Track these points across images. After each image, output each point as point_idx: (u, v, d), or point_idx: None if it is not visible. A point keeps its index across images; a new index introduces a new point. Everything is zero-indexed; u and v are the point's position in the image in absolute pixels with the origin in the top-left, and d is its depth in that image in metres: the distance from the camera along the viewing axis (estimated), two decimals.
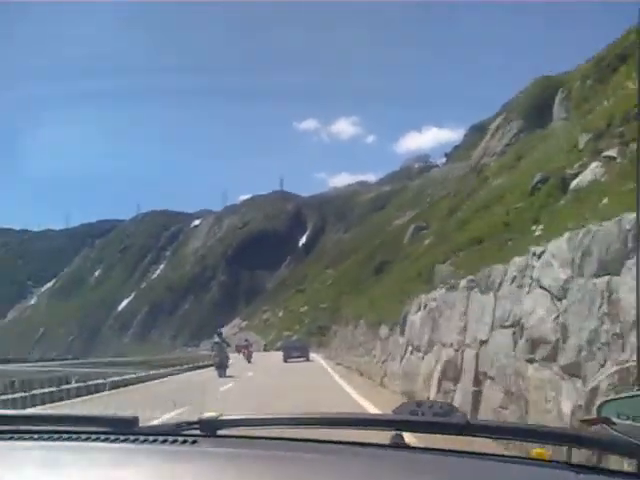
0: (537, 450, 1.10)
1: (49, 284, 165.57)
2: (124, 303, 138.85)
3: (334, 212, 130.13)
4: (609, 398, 1.15)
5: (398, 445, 1.08)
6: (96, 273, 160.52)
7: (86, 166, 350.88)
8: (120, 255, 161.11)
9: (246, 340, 37.79)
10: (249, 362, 29.83)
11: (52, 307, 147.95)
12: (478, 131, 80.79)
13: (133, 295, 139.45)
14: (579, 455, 1.02)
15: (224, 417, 1.13)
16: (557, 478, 0.97)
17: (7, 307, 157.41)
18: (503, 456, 1.09)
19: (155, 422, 1.24)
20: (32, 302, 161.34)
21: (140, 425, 1.16)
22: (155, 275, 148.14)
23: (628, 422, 1.06)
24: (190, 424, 1.15)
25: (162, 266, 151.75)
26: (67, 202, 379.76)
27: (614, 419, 1.08)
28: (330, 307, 59.84)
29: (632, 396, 1.16)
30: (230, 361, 21.21)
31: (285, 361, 32.14)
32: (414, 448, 1.09)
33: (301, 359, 32.49)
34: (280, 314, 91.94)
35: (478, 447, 1.07)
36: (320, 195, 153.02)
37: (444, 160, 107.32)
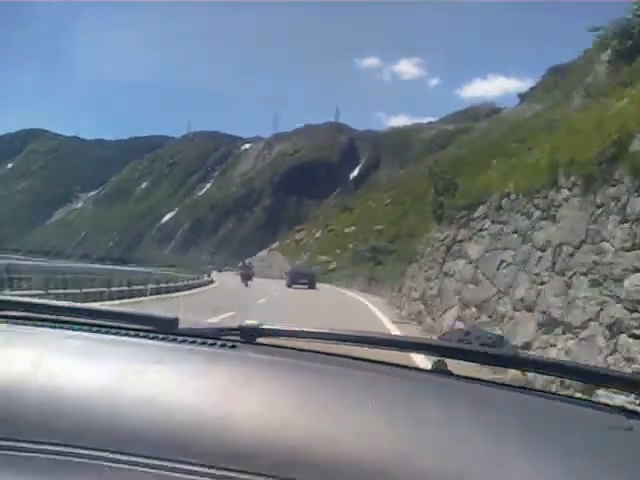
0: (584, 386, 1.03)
1: (95, 191, 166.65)
2: (167, 217, 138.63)
3: (390, 148, 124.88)
4: None
5: (442, 371, 1.06)
6: (143, 185, 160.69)
7: (142, 80, 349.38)
8: (168, 170, 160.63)
9: (245, 263, 37.37)
10: (246, 285, 29.97)
11: (96, 213, 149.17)
12: (556, 73, 74.67)
13: (177, 210, 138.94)
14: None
15: (264, 326, 1.13)
16: (607, 420, 0.93)
17: (53, 208, 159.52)
18: (550, 393, 1.06)
19: (195, 325, 1.24)
20: (78, 206, 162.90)
21: (180, 326, 1.17)
22: (201, 193, 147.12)
23: None
24: (230, 330, 1.15)
25: (208, 185, 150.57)
26: (120, 115, 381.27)
27: None
28: (389, 230, 46.50)
29: None
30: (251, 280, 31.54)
31: (289, 286, 31.52)
32: (457, 376, 1.05)
33: (305, 286, 31.58)
34: (317, 235, 76.55)
35: (523, 381, 1.01)
36: (376, 131, 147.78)
37: (517, 102, 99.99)
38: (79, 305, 1.29)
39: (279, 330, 1.13)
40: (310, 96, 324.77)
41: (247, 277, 31.37)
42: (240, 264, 34.34)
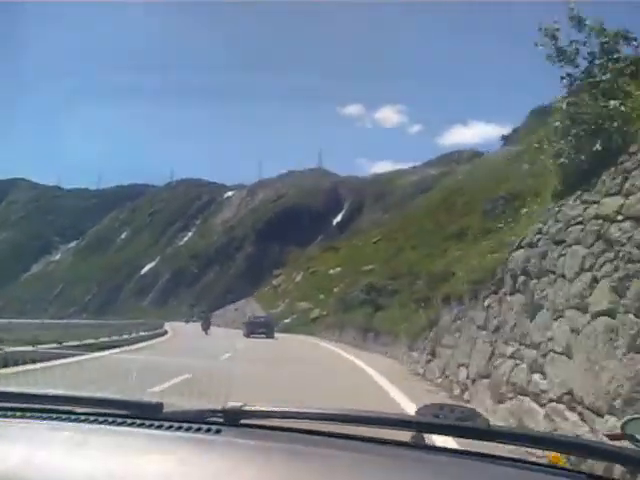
0: (554, 455, 1.12)
1: (75, 242, 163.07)
2: (147, 267, 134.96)
3: (373, 193, 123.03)
4: (633, 416, 1.18)
5: (419, 445, 1.10)
6: (123, 235, 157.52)
7: (122, 131, 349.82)
8: (149, 219, 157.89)
9: (203, 312, 45.63)
10: (206, 333, 33.47)
11: (74, 265, 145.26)
12: (540, 115, 73.63)
13: (157, 260, 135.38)
14: (596, 467, 1.06)
15: (248, 407, 1.15)
16: None
17: (31, 261, 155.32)
18: (524, 461, 1.08)
19: (179, 408, 1.26)
20: (56, 258, 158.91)
21: (165, 410, 1.18)
22: (182, 242, 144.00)
23: None
24: (214, 412, 1.17)
25: (190, 234, 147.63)
26: (102, 165, 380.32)
27: (638, 436, 1.11)
28: (381, 270, 37.86)
29: None
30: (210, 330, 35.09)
31: (247, 336, 31.61)
32: (434, 449, 1.10)
33: (263, 336, 31.70)
34: (298, 278, 65.90)
35: (499, 450, 1.08)
36: (359, 177, 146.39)
37: (499, 146, 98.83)
38: (66, 394, 1.29)
39: (263, 412, 1.14)
40: (294, 142, 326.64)
41: (207, 326, 35.37)
42: (194, 313, 50.07)
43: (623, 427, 1.14)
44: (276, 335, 33.89)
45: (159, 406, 1.18)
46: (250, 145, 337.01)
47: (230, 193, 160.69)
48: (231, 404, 1.16)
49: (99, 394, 1.35)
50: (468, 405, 6.97)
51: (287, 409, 1.15)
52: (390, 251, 44.68)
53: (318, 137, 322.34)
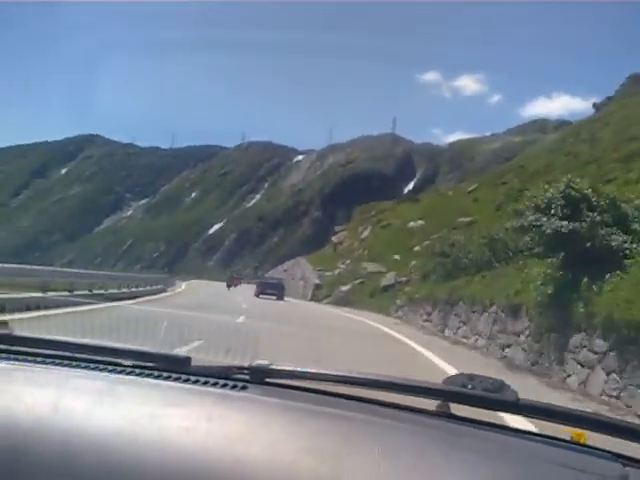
0: (576, 432, 1.10)
1: (146, 199, 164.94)
2: (215, 227, 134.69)
3: (449, 161, 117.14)
4: None
5: (444, 414, 1.11)
6: (193, 194, 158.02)
7: (197, 92, 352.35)
8: (219, 180, 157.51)
9: (237, 273, 54.75)
10: (228, 289, 38.57)
11: (144, 222, 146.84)
12: (636, 82, 66.26)
13: (224, 221, 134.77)
14: (625, 446, 1.03)
15: (274, 366, 1.17)
16: (605, 466, 0.95)
17: (103, 215, 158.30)
18: (549, 437, 1.09)
19: (207, 364, 1.28)
20: (127, 214, 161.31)
21: (192, 364, 1.21)
22: (250, 204, 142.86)
23: None
24: (240, 369, 1.20)
25: (258, 196, 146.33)
26: (176, 125, 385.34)
27: None
28: (485, 222, 28.84)
29: None
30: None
31: (257, 296, 32.37)
32: (459, 419, 1.11)
33: (273, 297, 32.29)
34: (364, 234, 51.88)
35: (525, 424, 1.10)
36: (434, 144, 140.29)
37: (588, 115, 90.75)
38: (95, 343, 1.32)
39: (288, 371, 1.16)
40: (367, 109, 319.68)
41: (230, 283, 41.59)
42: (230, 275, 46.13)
43: None
44: (321, 309, 31.24)
45: (187, 360, 1.20)
46: (322, 110, 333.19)
47: (300, 157, 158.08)
48: (257, 362, 1.18)
49: (128, 345, 1.36)
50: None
51: (313, 370, 1.16)
52: (496, 199, 34.56)
53: (393, 104, 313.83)
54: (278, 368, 1.16)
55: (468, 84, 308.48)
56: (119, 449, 0.88)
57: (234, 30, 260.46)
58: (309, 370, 1.16)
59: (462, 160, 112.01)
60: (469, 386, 1.11)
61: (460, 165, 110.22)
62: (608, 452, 1.03)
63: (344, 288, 38.74)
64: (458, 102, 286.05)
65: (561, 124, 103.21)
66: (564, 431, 1.10)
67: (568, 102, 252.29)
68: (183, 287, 39.01)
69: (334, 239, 57.23)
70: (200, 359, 1.27)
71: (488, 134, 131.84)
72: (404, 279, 32.31)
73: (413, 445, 0.93)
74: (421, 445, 0.94)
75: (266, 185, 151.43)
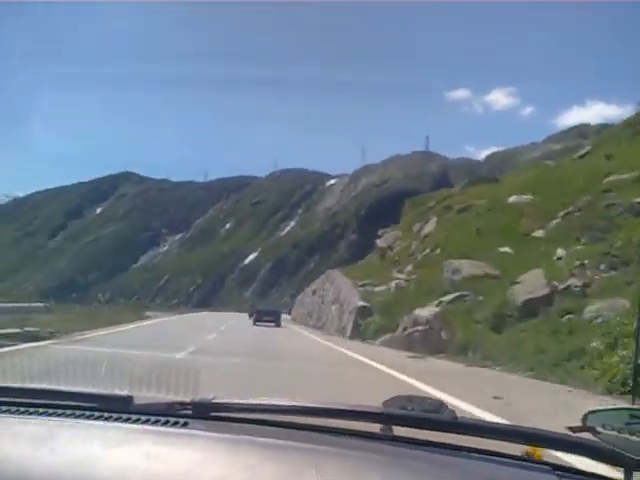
0: (529, 448, 1.11)
1: (181, 234, 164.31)
2: (250, 258, 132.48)
3: (487, 173, 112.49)
4: (595, 409, 1.18)
5: (386, 437, 1.12)
6: (227, 225, 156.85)
7: (228, 123, 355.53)
8: (252, 209, 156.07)
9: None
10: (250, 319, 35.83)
11: (180, 256, 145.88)
12: None
13: (259, 250, 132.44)
14: (566, 459, 0.98)
15: (217, 400, 1.15)
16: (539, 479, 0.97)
17: (140, 252, 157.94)
18: (489, 453, 1.12)
19: (149, 401, 1.25)
20: (163, 249, 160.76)
21: (134, 403, 1.18)
22: (284, 232, 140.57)
23: (613, 433, 1.09)
24: (183, 405, 1.17)
25: (292, 223, 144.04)
26: (209, 158, 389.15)
27: (599, 429, 1.11)
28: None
29: (617, 409, 1.20)
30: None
31: (254, 324, 32.17)
32: (402, 440, 1.11)
33: (272, 324, 32.13)
34: (427, 228, 34.20)
35: (467, 442, 1.10)
36: (470, 159, 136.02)
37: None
38: (32, 386, 1.31)
39: (231, 404, 1.14)
40: (398, 131, 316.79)
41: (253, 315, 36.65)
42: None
43: (584, 419, 1.14)
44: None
45: (128, 399, 1.17)
46: (353, 133, 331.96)
47: (333, 181, 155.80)
48: (200, 397, 1.16)
49: (68, 387, 1.32)
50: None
51: (256, 402, 1.14)
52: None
53: (424, 124, 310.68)
54: (220, 402, 1.14)
55: (499, 98, 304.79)
56: None
57: (257, 63, 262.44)
58: (252, 402, 1.14)
59: (503, 171, 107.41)
60: (409, 407, 1.12)
61: (501, 176, 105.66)
62: (546, 464, 1.05)
63: (423, 313, 19.15)
64: (490, 117, 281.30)
65: (602, 128, 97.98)
66: (512, 447, 1.10)
67: (603, 110, 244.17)
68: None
69: (379, 243, 41.60)
70: (142, 397, 1.24)
71: (526, 144, 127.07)
72: (573, 283, 15.28)
73: (355, 470, 0.93)
74: (363, 469, 0.94)
75: (299, 211, 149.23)
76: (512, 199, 29.03)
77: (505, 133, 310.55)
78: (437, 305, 20.00)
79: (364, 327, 24.13)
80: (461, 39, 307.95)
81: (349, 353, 16.02)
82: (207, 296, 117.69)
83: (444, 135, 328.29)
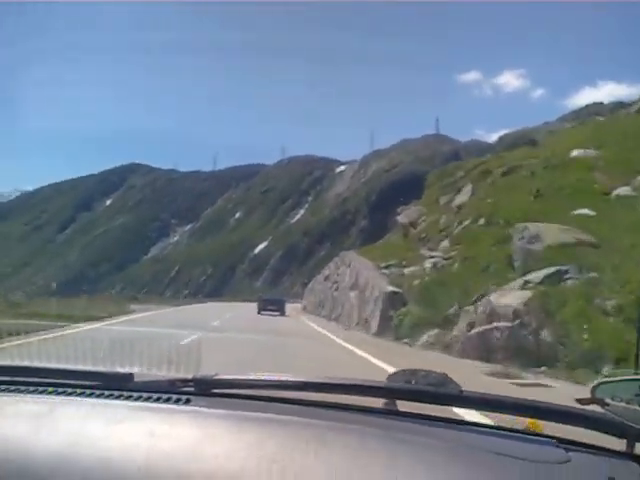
0: (532, 421, 1.12)
1: (191, 224, 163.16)
2: (260, 247, 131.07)
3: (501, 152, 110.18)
4: (604, 380, 1.17)
5: (390, 411, 1.12)
6: (236, 215, 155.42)
7: (235, 111, 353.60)
8: (261, 198, 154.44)
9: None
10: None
11: (190, 246, 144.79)
12: None
13: (270, 239, 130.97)
14: (573, 432, 1.05)
15: (218, 377, 1.15)
16: (547, 453, 0.98)
17: (150, 244, 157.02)
18: (494, 427, 1.13)
19: (150, 379, 1.23)
20: (173, 240, 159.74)
21: (135, 380, 1.17)
22: (294, 220, 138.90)
23: (622, 404, 1.08)
24: (185, 382, 1.16)
25: (302, 211, 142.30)
26: (216, 147, 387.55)
27: (608, 400, 1.10)
28: None
29: (627, 379, 1.18)
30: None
31: (259, 313, 31.70)
32: (406, 415, 1.11)
33: (276, 313, 31.52)
34: (459, 198, 29.87)
35: (473, 415, 1.10)
36: (482, 141, 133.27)
37: None
38: (32, 365, 1.30)
39: (234, 380, 1.15)
40: (407, 115, 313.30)
41: (262, 307, 34.96)
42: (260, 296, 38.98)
43: (593, 391, 1.13)
44: None
45: (129, 376, 1.17)
46: (361, 119, 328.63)
47: (342, 167, 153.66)
48: (202, 373, 1.16)
49: (68, 365, 1.30)
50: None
51: (258, 377, 1.14)
52: None
53: (434, 107, 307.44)
54: (222, 378, 1.14)
55: (510, 80, 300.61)
56: (61, 473, 0.85)
57: (265, 49, 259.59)
58: (254, 377, 1.14)
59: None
60: (413, 381, 1.12)
61: None
62: (553, 438, 1.05)
63: (506, 300, 13.08)
64: (501, 99, 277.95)
65: (617, 106, 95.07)
66: (517, 422, 1.10)
67: (614, 89, 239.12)
68: None
69: (401, 219, 36.20)
70: (143, 374, 1.24)
71: (539, 124, 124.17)
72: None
73: (359, 445, 0.93)
74: (367, 444, 0.93)
75: (309, 199, 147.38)
76: (575, 153, 24.93)
77: (516, 115, 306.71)
78: (523, 287, 13.84)
79: (397, 321, 19.02)
80: (471, 21, 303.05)
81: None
82: (218, 286, 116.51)
83: (454, 119, 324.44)
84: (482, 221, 23.29)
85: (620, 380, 1.12)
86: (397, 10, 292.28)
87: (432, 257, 23.54)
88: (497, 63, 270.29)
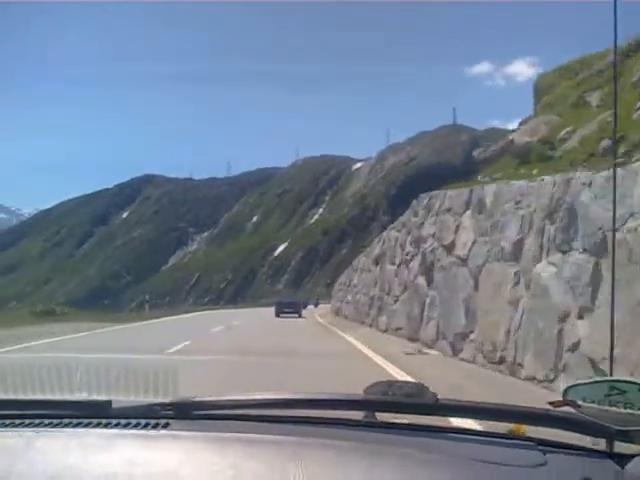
0: (515, 425, 1.13)
1: (208, 231, 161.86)
2: (280, 249, 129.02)
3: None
4: (574, 383, 1.19)
5: (369, 424, 1.12)
6: (254, 219, 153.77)
7: (248, 118, 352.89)
8: (278, 200, 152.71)
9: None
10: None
11: (209, 253, 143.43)
12: None
13: (289, 241, 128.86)
14: (554, 434, 1.07)
15: (197, 399, 1.14)
16: (524, 456, 0.98)
17: (169, 253, 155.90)
18: (472, 432, 1.14)
19: (128, 405, 1.21)
20: (192, 248, 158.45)
21: (113, 407, 1.15)
22: (313, 220, 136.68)
23: (593, 405, 1.11)
24: (163, 406, 1.15)
25: (320, 210, 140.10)
26: (230, 154, 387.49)
27: (579, 402, 1.12)
28: None
29: (596, 381, 1.21)
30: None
31: (277, 316, 32.03)
32: (386, 426, 1.12)
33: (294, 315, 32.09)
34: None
35: (451, 423, 1.12)
36: (500, 129, 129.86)
37: None
38: (8, 397, 1.28)
39: (212, 402, 1.14)
40: (422, 107, 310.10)
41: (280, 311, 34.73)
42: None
43: (564, 394, 1.15)
44: None
45: (107, 404, 1.14)
46: (376, 115, 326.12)
47: (359, 164, 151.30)
48: (180, 397, 1.15)
49: (45, 396, 1.29)
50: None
51: (237, 397, 1.14)
52: None
53: (447, 103, 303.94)
54: (201, 400, 1.12)
55: (522, 69, 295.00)
56: None
57: (275, 53, 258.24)
58: (233, 398, 1.14)
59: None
60: (390, 393, 1.12)
61: None
62: (530, 440, 1.06)
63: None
64: (513, 89, 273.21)
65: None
66: (504, 427, 1.11)
67: None
68: None
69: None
70: (121, 400, 1.21)
71: None
72: None
73: (338, 459, 0.93)
74: (347, 458, 0.94)
75: (326, 198, 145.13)
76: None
77: (530, 103, 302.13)
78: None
79: None
80: (477, 14, 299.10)
81: None
82: (239, 291, 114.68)
83: (469, 110, 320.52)
84: None
85: (589, 382, 1.13)
86: (404, 6, 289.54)
87: None
88: (508, 52, 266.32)
